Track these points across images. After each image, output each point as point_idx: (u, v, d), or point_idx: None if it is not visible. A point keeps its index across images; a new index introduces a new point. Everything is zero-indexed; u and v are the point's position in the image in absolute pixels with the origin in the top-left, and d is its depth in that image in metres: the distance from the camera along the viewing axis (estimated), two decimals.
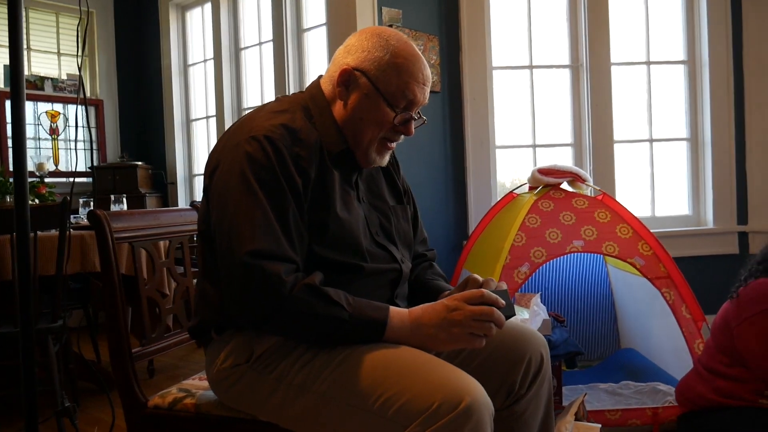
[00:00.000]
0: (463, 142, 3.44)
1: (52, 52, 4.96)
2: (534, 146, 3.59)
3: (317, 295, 1.20)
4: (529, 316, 1.93)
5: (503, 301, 1.24)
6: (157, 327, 1.68)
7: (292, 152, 1.27)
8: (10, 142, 4.61)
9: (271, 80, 4.16)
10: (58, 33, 4.99)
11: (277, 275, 1.17)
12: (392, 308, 1.25)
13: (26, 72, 4.75)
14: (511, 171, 3.68)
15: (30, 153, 4.71)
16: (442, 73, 3.41)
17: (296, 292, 1.18)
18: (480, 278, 1.39)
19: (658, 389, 2.57)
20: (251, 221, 1.20)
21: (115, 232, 1.57)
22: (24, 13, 4.67)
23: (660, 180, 3.63)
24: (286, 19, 4.05)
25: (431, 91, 3.26)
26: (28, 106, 4.73)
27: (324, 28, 3.63)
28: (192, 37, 4.92)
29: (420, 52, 1.40)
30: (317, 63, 3.96)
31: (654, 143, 3.61)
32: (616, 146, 3.52)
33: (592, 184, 2.79)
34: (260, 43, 4.38)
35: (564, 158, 3.58)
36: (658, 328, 2.74)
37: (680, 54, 3.61)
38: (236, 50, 4.55)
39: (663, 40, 3.61)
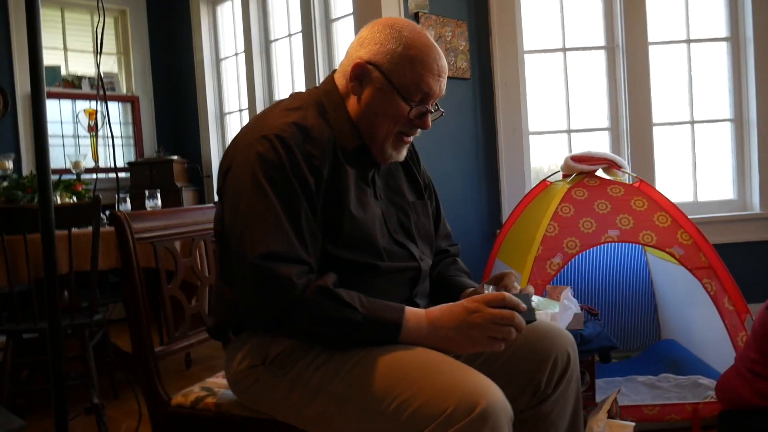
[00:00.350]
0: (495, 129, 3.37)
1: (88, 51, 5.05)
2: (569, 131, 3.49)
3: (330, 297, 1.17)
4: (560, 310, 1.87)
5: (525, 305, 1.20)
6: (181, 325, 1.68)
7: (304, 151, 1.24)
8: (52, 140, 4.71)
9: (302, 72, 4.15)
10: (93, 32, 5.06)
11: (289, 277, 1.15)
12: (408, 309, 1.22)
13: (63, 71, 4.85)
14: (546, 157, 3.59)
15: (69, 151, 4.82)
16: (472, 59, 3.33)
17: (308, 294, 1.16)
18: (513, 278, 1.37)
19: (699, 383, 2.47)
20: (263, 223, 1.19)
21: (137, 233, 1.57)
22: (60, 15, 4.77)
23: (702, 163, 3.49)
24: (314, 9, 4.02)
25: (460, 78, 3.24)
26: (67, 104, 4.83)
27: (352, 18, 3.60)
28: (223, 32, 4.94)
29: (434, 42, 1.35)
30: None
31: (695, 125, 3.46)
32: (655, 129, 3.40)
33: (628, 170, 2.69)
34: (290, 35, 4.37)
35: (600, 143, 3.48)
36: (700, 319, 2.64)
37: (723, 31, 3.45)
38: (266, 43, 4.55)
39: (704, 16, 3.45)
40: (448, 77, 3.10)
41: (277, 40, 4.50)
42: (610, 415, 1.80)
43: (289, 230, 1.19)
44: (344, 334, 1.19)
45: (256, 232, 1.18)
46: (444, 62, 1.34)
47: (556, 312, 1.83)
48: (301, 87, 4.24)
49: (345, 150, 1.32)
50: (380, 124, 1.31)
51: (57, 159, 4.59)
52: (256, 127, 1.28)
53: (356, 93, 1.32)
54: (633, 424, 1.78)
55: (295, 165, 1.22)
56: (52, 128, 4.71)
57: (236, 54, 4.79)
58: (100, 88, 4.70)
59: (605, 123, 3.47)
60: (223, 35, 4.95)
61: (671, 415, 2.27)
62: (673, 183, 3.46)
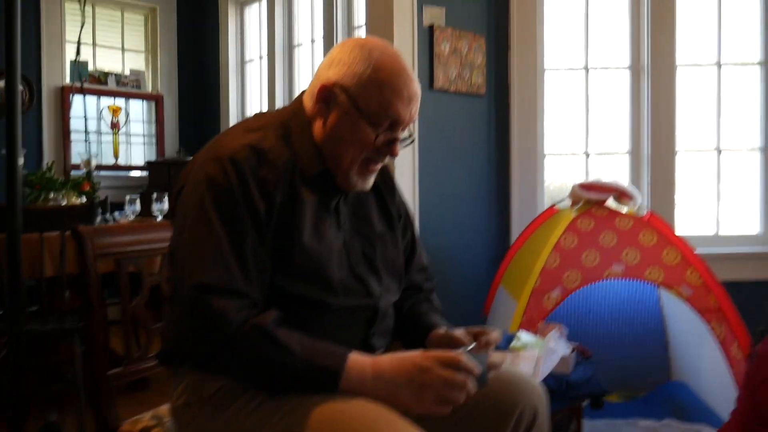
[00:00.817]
0: (509, 149, 3.25)
1: (116, 48, 5.09)
2: (587, 154, 3.35)
3: (265, 337, 1.10)
4: (544, 353, 1.76)
5: (479, 369, 1.12)
6: (139, 348, 1.62)
7: (258, 175, 1.17)
8: (74, 136, 4.77)
9: None
10: (122, 29, 5.11)
11: (223, 313, 1.08)
12: (353, 357, 1.14)
13: (91, 67, 4.89)
14: (561, 180, 3.45)
15: (91, 147, 4.85)
16: (488, 74, 3.22)
17: (243, 332, 1.09)
18: (463, 337, 1.29)
19: None
20: (203, 251, 1.12)
21: (102, 248, 1.53)
22: (91, 10, 4.81)
23: (727, 194, 3.31)
24: (337, 17, 3.96)
25: (475, 95, 3.14)
26: (92, 100, 4.87)
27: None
28: (249, 34, 4.93)
29: (406, 65, 1.27)
30: None
31: (722, 153, 3.29)
32: (678, 156, 3.23)
33: (639, 201, 2.56)
34: (312, 41, 4.32)
35: (620, 168, 3.33)
36: (709, 363, 2.49)
37: (756, 54, 3.27)
38: (289, 48, 4.51)
39: (736, 38, 3.28)
40: (463, 93, 3.00)
41: (300, 45, 4.46)
42: None
43: (231, 260, 1.12)
44: (278, 380, 1.12)
45: (195, 262, 1.12)
46: (416, 87, 1.26)
47: (533, 355, 1.73)
48: None
49: (306, 175, 1.25)
50: (345, 150, 1.24)
51: (83, 155, 4.62)
52: (213, 147, 1.22)
53: (322, 116, 1.25)
54: None
55: (245, 190, 1.15)
56: (75, 123, 4.76)
57: (260, 57, 4.77)
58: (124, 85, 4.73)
59: (626, 147, 3.32)
60: (248, 38, 4.93)
61: None
62: (695, 214, 3.30)
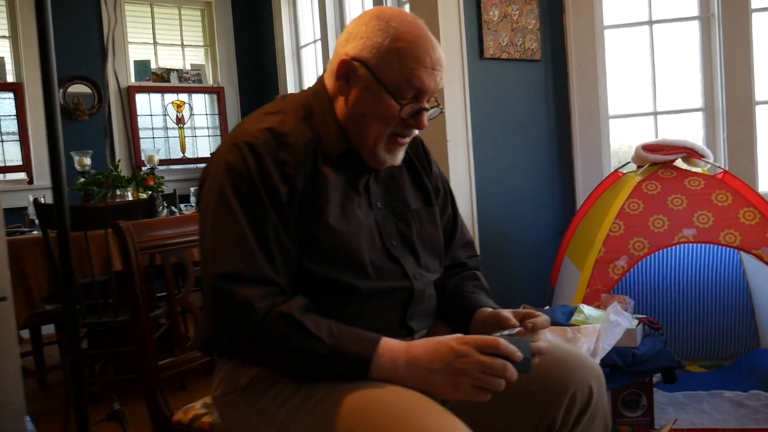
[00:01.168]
0: (569, 114, 3.09)
1: (176, 44, 5.20)
2: (655, 114, 3.15)
3: (292, 325, 1.06)
4: (604, 327, 1.65)
5: (521, 355, 1.04)
6: (191, 339, 1.64)
7: (278, 159, 1.13)
8: (142, 133, 4.92)
9: None
10: (181, 25, 5.21)
11: (248, 301, 1.05)
12: (385, 343, 1.08)
13: (153, 65, 5.02)
14: (630, 143, 3.26)
15: (159, 143, 5.00)
16: (543, 38, 3.07)
17: (268, 321, 1.06)
18: (511, 318, 1.20)
19: None
20: (226, 240, 1.10)
21: (141, 242, 1.54)
22: (150, 9, 4.93)
23: None
24: None
25: (530, 60, 3.00)
26: (156, 97, 5.01)
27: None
28: (302, 19, 4.92)
29: (428, 32, 1.20)
30: None
31: None
32: (757, 108, 2.98)
33: (711, 160, 2.37)
34: None
35: (693, 125, 3.11)
36: None
37: None
38: (341, 29, 4.47)
39: None
40: (516, 60, 2.88)
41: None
42: None
43: (255, 247, 1.09)
44: (307, 367, 1.08)
45: (218, 251, 1.10)
46: (439, 54, 1.19)
47: (599, 329, 1.63)
48: None
49: (331, 155, 1.21)
50: (369, 126, 1.19)
51: (148, 152, 4.78)
52: (232, 134, 1.19)
53: (343, 93, 1.20)
54: None
55: (265, 175, 1.12)
56: (142, 121, 4.91)
57: (314, 41, 4.76)
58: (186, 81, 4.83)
59: (699, 103, 3.09)
60: (302, 22, 4.93)
61: None
62: None
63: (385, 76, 1.15)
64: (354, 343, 1.07)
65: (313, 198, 1.16)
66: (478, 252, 2.79)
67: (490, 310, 1.29)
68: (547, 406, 1.21)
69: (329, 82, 1.24)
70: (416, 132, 1.25)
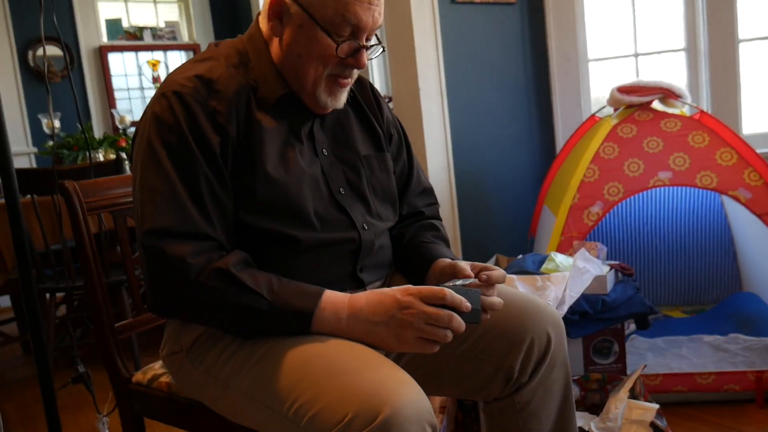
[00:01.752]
0: (547, 57, 3.01)
1: (148, 1, 5.04)
2: (636, 55, 3.06)
3: (229, 281, 1.02)
4: (571, 275, 1.61)
5: (469, 305, 1.00)
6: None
7: (208, 107, 1.07)
8: (118, 94, 4.81)
9: None
10: None
11: (181, 258, 1.01)
12: (327, 296, 1.05)
13: (125, 23, 4.88)
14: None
15: (136, 103, 4.89)
16: None
17: (204, 277, 1.01)
18: (467, 269, 1.15)
19: None
20: (154, 195, 1.04)
21: (90, 203, 1.49)
22: None
23: None
24: None
25: (504, 4, 2.89)
26: (130, 57, 4.88)
27: None
28: None
29: None
30: None
31: None
32: (741, 46, 2.90)
33: (689, 100, 2.30)
34: None
35: (675, 67, 3.02)
36: None
37: None
38: None
39: None
40: (490, 3, 2.76)
41: None
42: (633, 395, 1.56)
43: (187, 201, 1.04)
44: (248, 323, 1.04)
45: (147, 207, 1.04)
46: None
47: (561, 275, 1.60)
48: None
49: (269, 102, 1.14)
50: (306, 67, 1.12)
51: (124, 113, 4.68)
52: (162, 84, 1.13)
53: (277, 34, 1.13)
54: (656, 406, 1.52)
55: (195, 125, 1.05)
56: (117, 82, 4.80)
57: None
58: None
59: (681, 43, 3.00)
60: None
61: (730, 385, 1.98)
62: (764, 109, 2.97)
63: (318, 13, 1.08)
64: (295, 297, 1.03)
65: (248, 147, 1.10)
66: (455, 203, 2.77)
67: (448, 260, 1.24)
68: (504, 355, 1.19)
69: (264, 25, 1.17)
70: (357, 72, 1.18)
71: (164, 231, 1.02)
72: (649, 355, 2.25)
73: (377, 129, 1.30)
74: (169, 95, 1.06)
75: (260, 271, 1.06)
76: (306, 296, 1.04)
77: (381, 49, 1.17)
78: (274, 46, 1.15)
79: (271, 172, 1.10)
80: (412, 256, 1.31)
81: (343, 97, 1.19)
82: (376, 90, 1.36)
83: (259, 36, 1.17)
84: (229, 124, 1.08)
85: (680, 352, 2.27)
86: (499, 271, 1.16)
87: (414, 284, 1.22)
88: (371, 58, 1.17)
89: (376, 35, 1.15)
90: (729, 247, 2.71)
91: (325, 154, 1.21)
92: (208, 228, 1.05)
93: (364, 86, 1.32)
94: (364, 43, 1.12)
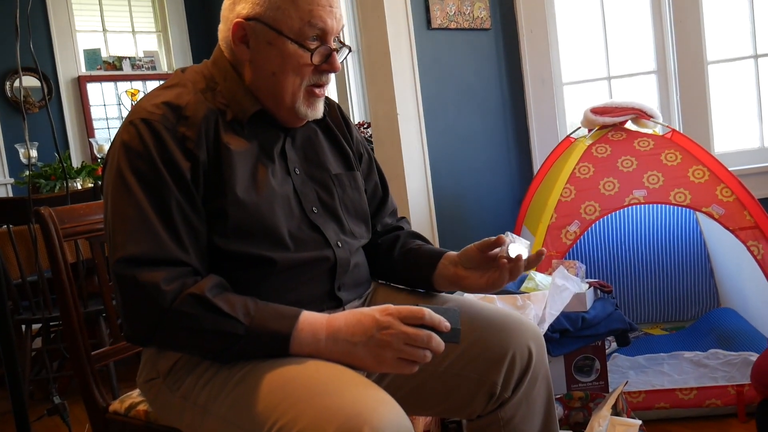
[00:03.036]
0: (522, 81, 3.06)
1: (127, 31, 5.06)
2: (609, 78, 3.12)
3: (204, 306, 1.01)
4: (550, 293, 1.63)
5: (448, 325, 1.01)
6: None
7: (177, 134, 1.08)
8: (97, 124, 4.79)
9: None
10: (131, 12, 5.07)
11: (154, 285, 1.00)
12: (305, 317, 1.04)
13: (104, 53, 4.88)
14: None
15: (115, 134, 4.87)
16: (492, 6, 3.02)
17: (178, 304, 1.01)
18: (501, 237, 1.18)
19: (750, 360, 2.15)
20: (125, 223, 1.04)
21: (66, 229, 1.47)
22: None
23: None
24: None
25: (479, 29, 2.94)
26: (109, 87, 4.88)
27: None
28: None
29: None
30: None
31: (760, 59, 3.00)
32: (710, 68, 2.97)
33: (660, 120, 2.35)
34: None
35: (647, 88, 3.09)
36: (753, 286, 2.30)
37: None
38: None
39: None
40: (465, 29, 2.81)
41: None
42: (615, 412, 1.56)
43: (159, 227, 1.04)
44: (226, 349, 1.03)
45: (118, 235, 1.04)
46: None
47: (547, 294, 1.61)
48: None
49: (239, 122, 1.15)
50: (283, 83, 1.14)
51: (103, 142, 4.66)
52: (129, 112, 1.14)
53: (245, 57, 1.15)
54: (639, 422, 1.53)
55: (164, 151, 1.06)
56: (96, 112, 4.79)
57: None
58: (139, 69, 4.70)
59: (651, 66, 3.07)
60: None
61: (711, 400, 1.99)
62: (734, 130, 3.03)
63: (285, 26, 1.10)
64: (272, 320, 1.03)
65: (218, 171, 1.10)
66: (434, 226, 2.78)
67: (454, 253, 1.27)
68: (486, 371, 1.20)
69: (226, 51, 1.18)
70: (332, 77, 1.21)
71: (137, 258, 1.02)
72: (631, 373, 2.26)
73: (347, 149, 1.33)
74: (138, 123, 1.07)
75: (236, 294, 1.06)
76: (283, 318, 1.04)
77: (348, 50, 1.20)
78: (246, 71, 1.16)
79: (241, 195, 1.10)
80: (412, 257, 1.33)
81: (320, 107, 1.21)
82: (344, 112, 1.39)
83: (224, 59, 1.19)
84: (198, 149, 1.09)
85: (661, 369, 2.28)
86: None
87: (421, 284, 1.26)
88: (342, 59, 1.19)
89: (338, 38, 1.18)
90: (705, 263, 2.75)
91: (297, 173, 1.22)
92: (181, 254, 1.05)
93: (332, 108, 1.34)
94: (334, 46, 1.15)
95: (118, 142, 1.09)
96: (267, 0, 1.10)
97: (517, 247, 1.18)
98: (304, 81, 1.14)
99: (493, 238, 1.19)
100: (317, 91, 1.17)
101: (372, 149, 2.79)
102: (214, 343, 1.03)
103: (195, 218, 1.07)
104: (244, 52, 1.14)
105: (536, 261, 1.21)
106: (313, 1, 1.10)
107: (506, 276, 1.19)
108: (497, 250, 1.20)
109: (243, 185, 1.11)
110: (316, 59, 1.12)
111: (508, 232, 1.22)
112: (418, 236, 1.41)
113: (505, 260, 1.18)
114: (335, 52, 1.15)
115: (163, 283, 1.00)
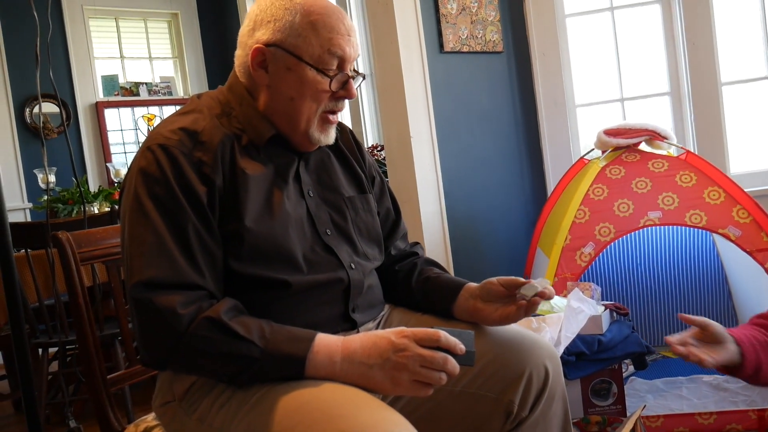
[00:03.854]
0: (535, 104, 3.07)
1: (144, 57, 5.15)
2: (622, 100, 3.13)
3: (220, 329, 1.02)
4: (566, 316, 1.61)
5: (463, 347, 1.01)
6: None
7: (193, 159, 1.10)
8: (114, 149, 4.86)
9: None
10: (147, 38, 5.16)
11: (171, 309, 1.01)
12: (320, 339, 1.04)
13: (122, 79, 4.97)
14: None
15: (132, 158, 4.93)
16: (504, 30, 3.04)
17: (194, 328, 1.01)
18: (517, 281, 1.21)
19: None
20: (142, 247, 1.05)
21: (81, 253, 1.49)
22: (115, 24, 4.88)
23: None
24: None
25: (492, 53, 2.96)
26: (126, 112, 4.95)
27: None
28: None
29: (333, 1, 1.18)
30: None
31: None
32: (724, 89, 2.96)
33: (674, 141, 2.35)
34: None
35: (660, 110, 3.09)
36: None
37: None
38: None
39: None
40: (478, 52, 2.84)
41: None
42: None
43: (175, 251, 1.05)
44: (242, 372, 1.03)
45: (135, 259, 1.05)
46: (349, 22, 1.19)
47: (555, 315, 1.60)
48: None
49: (255, 146, 1.18)
50: (300, 108, 1.16)
51: (120, 166, 4.72)
52: (146, 138, 1.16)
53: (263, 82, 1.17)
54: None
55: (181, 176, 1.08)
56: (113, 137, 4.86)
57: None
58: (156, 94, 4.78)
59: (665, 87, 3.07)
60: None
61: (732, 424, 1.96)
62: (750, 151, 3.02)
63: (306, 53, 1.13)
64: (287, 343, 1.03)
65: (234, 196, 1.12)
66: (448, 249, 2.78)
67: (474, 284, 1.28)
68: (503, 390, 1.19)
69: (243, 76, 1.21)
70: (347, 103, 1.23)
71: (153, 282, 1.03)
72: (649, 397, 2.23)
73: (359, 172, 1.35)
74: (155, 148, 1.09)
75: (251, 317, 1.06)
76: (298, 341, 1.04)
77: (362, 78, 1.23)
78: (261, 94, 1.18)
79: (257, 219, 1.12)
80: (431, 287, 1.33)
81: (332, 133, 1.24)
82: (356, 136, 1.41)
83: (239, 85, 1.21)
84: (215, 174, 1.10)
85: (680, 393, 2.25)
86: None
87: (440, 314, 1.26)
88: (357, 86, 1.22)
89: (353, 68, 1.20)
90: (723, 285, 2.72)
91: (311, 195, 1.23)
92: (197, 277, 1.06)
93: (344, 132, 1.36)
94: (350, 74, 1.18)
95: (136, 167, 1.10)
96: (288, 27, 1.13)
97: (535, 287, 1.19)
98: (320, 107, 1.17)
99: (522, 279, 1.21)
100: (331, 117, 1.20)
101: (385, 172, 2.81)
102: (230, 366, 1.03)
103: (211, 242, 1.09)
104: (263, 77, 1.16)
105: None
106: (333, 29, 1.13)
107: (521, 314, 1.20)
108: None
109: (258, 209, 1.12)
110: (334, 86, 1.15)
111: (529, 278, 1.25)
112: (434, 263, 1.41)
113: (524, 301, 1.19)
114: (351, 80, 1.17)
115: (179, 306, 1.01)
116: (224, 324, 1.02)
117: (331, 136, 1.22)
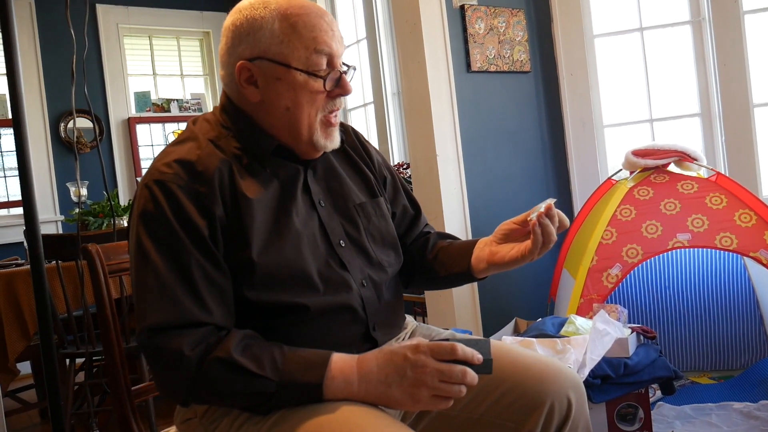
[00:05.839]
0: (562, 125, 3.05)
1: (176, 74, 5.25)
2: (651, 121, 3.10)
3: (232, 369, 1.00)
4: (592, 338, 1.59)
5: (480, 357, 1.00)
6: None
7: (192, 191, 1.06)
8: (144, 164, 4.94)
9: (369, 78, 4.04)
10: (180, 56, 5.26)
11: (179, 352, 0.99)
12: (335, 363, 1.03)
13: (154, 96, 5.06)
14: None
15: None
16: (532, 49, 3.04)
17: (206, 369, 1.00)
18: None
19: None
20: (145, 292, 1.04)
21: (110, 265, 1.51)
22: (149, 42, 4.99)
23: None
24: (378, 14, 3.89)
25: (519, 72, 2.97)
26: (157, 128, 5.04)
27: None
28: None
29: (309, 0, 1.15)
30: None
31: None
32: (756, 111, 2.92)
33: (704, 162, 2.31)
34: (356, 41, 4.27)
35: (690, 131, 3.05)
36: None
37: None
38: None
39: None
40: (505, 72, 2.84)
41: (348, 46, 4.42)
42: None
43: (178, 292, 1.02)
44: (258, 405, 1.03)
45: (140, 304, 1.04)
46: (330, 17, 1.14)
47: (588, 338, 1.57)
48: (368, 94, 4.13)
49: (260, 161, 1.14)
50: (298, 116, 1.12)
51: None
52: (145, 174, 1.13)
53: (256, 98, 1.13)
54: None
55: (179, 211, 1.04)
56: (144, 152, 4.94)
57: None
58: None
59: (695, 108, 3.04)
60: None
61: None
62: None
63: (293, 58, 1.09)
64: (301, 372, 1.01)
65: (238, 223, 1.08)
66: None
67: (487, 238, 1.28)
68: (522, 420, 1.15)
69: (233, 93, 1.17)
70: (343, 100, 1.20)
71: (158, 327, 1.01)
72: (677, 423, 2.18)
73: (368, 174, 1.31)
74: (151, 185, 1.06)
75: (263, 344, 1.04)
76: (312, 368, 1.02)
77: (353, 70, 1.18)
78: (259, 112, 1.14)
79: (265, 247, 1.08)
80: (447, 253, 1.34)
81: (337, 137, 1.20)
82: (360, 134, 1.37)
83: (230, 104, 1.17)
84: (214, 205, 1.07)
85: (710, 420, 2.20)
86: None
87: (461, 276, 1.30)
88: (351, 79, 1.17)
89: (342, 61, 1.16)
90: (755, 310, 2.66)
91: (323, 205, 1.20)
92: (202, 314, 1.03)
93: (348, 132, 1.33)
94: (342, 69, 1.14)
95: (135, 209, 1.08)
96: (268, 36, 1.09)
97: (539, 207, 1.18)
98: (319, 111, 1.13)
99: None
100: (332, 119, 1.16)
101: (411, 189, 2.81)
102: (246, 402, 1.02)
103: (217, 275, 1.06)
104: (254, 93, 1.12)
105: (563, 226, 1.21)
106: (315, 28, 1.09)
107: (536, 248, 1.17)
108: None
109: (265, 236, 1.09)
110: (328, 85, 1.11)
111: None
112: (447, 236, 1.41)
113: (535, 221, 1.15)
114: (344, 75, 1.14)
115: (187, 348, 1.00)
116: (235, 363, 1.00)
117: (336, 140, 1.18)
